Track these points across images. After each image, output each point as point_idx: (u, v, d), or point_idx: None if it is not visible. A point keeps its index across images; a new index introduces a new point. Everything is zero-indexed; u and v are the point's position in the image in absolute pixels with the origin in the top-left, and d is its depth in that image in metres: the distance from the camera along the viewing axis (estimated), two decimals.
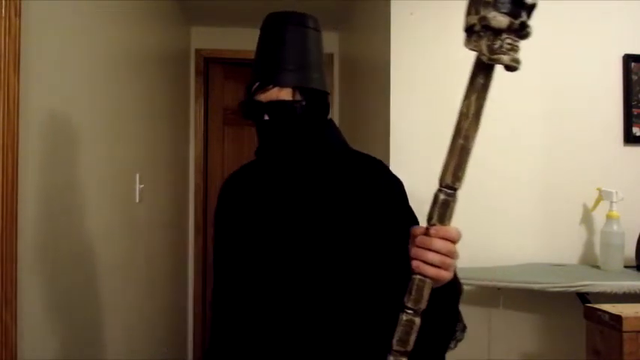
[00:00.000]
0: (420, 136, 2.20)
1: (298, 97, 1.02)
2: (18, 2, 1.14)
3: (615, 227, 2.07)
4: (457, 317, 0.99)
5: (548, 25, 2.25)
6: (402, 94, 2.21)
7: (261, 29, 1.07)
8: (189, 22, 3.39)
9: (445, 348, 0.99)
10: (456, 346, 1.00)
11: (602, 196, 2.14)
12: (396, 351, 0.80)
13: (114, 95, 1.82)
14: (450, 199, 0.77)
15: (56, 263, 1.38)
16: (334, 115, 3.52)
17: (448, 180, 0.76)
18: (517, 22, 0.68)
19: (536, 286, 1.86)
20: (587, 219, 2.26)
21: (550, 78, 2.26)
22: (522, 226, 2.24)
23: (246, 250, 1.06)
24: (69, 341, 1.45)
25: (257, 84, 1.02)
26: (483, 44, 0.69)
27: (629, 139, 2.27)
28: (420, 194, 2.12)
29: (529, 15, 0.70)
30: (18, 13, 1.14)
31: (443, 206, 0.77)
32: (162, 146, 2.61)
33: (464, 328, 1.00)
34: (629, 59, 2.27)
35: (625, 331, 1.16)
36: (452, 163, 0.76)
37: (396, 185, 1.07)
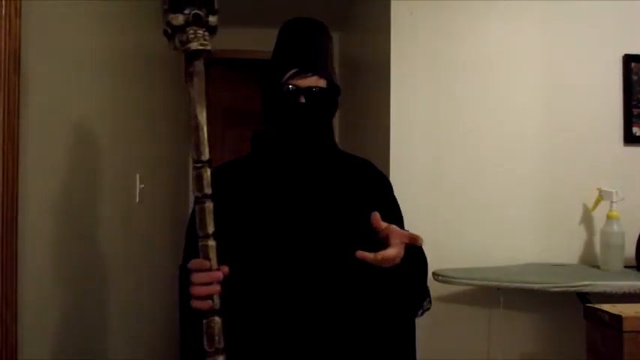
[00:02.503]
0: (420, 135, 2.20)
1: (329, 88, 1.12)
2: (18, 2, 1.13)
3: (615, 227, 2.07)
4: (421, 290, 1.09)
5: (548, 26, 2.25)
6: (403, 94, 2.21)
7: (289, 28, 1.16)
8: None
9: (412, 314, 1.10)
10: (422, 314, 1.10)
11: (602, 196, 2.14)
12: (209, 352, 0.89)
13: (114, 95, 1.82)
14: (201, 170, 0.88)
15: (56, 263, 1.38)
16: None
17: (195, 156, 0.89)
18: (190, 15, 0.84)
19: (536, 286, 1.86)
20: (587, 219, 2.26)
21: (550, 78, 2.26)
22: (522, 226, 2.24)
23: (260, 237, 1.09)
24: (69, 342, 1.45)
25: (294, 70, 1.09)
26: (177, 41, 0.86)
27: (629, 139, 2.27)
28: (420, 192, 2.13)
29: (210, 10, 0.86)
30: (18, 13, 1.13)
31: (198, 179, 0.88)
32: (162, 146, 2.61)
33: (429, 301, 1.11)
34: (629, 59, 2.27)
35: (625, 331, 1.16)
36: (193, 142, 0.89)
37: (385, 179, 1.23)
